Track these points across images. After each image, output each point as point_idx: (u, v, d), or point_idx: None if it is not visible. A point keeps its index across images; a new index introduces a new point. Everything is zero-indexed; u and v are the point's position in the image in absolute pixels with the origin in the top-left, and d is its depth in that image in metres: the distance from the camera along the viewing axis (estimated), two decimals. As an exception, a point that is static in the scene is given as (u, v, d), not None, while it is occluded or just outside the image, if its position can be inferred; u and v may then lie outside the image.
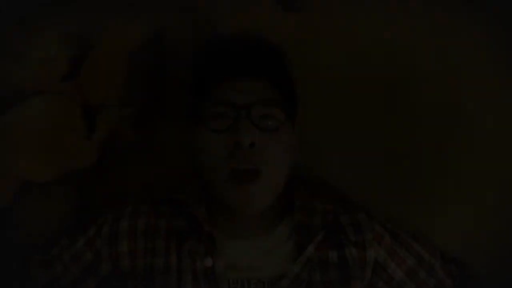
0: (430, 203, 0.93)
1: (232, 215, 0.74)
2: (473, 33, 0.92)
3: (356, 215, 0.78)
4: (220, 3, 0.92)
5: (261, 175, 0.69)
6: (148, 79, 0.84)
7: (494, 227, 0.91)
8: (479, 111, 0.93)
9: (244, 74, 0.73)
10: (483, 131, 0.93)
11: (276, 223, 0.77)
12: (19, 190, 0.84)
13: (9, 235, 0.83)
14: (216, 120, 0.71)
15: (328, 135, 0.94)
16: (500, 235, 0.91)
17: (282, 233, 0.76)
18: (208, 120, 0.72)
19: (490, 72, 0.92)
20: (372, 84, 0.94)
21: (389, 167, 0.93)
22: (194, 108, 0.75)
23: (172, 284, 0.71)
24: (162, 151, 0.93)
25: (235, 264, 0.73)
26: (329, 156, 0.93)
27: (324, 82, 0.95)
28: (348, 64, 0.95)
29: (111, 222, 0.77)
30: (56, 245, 0.79)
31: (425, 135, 0.93)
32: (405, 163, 0.93)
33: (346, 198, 0.85)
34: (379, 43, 0.95)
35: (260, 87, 0.73)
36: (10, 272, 0.79)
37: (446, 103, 0.93)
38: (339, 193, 0.88)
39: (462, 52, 0.93)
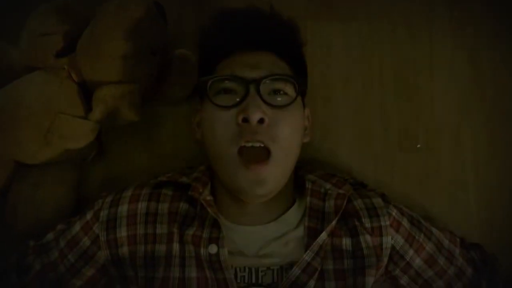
0: (444, 188, 0.89)
1: (240, 200, 0.69)
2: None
3: (371, 199, 0.74)
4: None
5: (272, 155, 0.65)
6: (149, 55, 0.79)
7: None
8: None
9: (253, 47, 0.70)
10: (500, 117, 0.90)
11: (286, 208, 0.73)
12: (13, 173, 0.80)
13: (2, 220, 0.79)
14: (224, 95, 0.68)
15: (338, 116, 0.90)
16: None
17: (292, 218, 0.72)
18: (215, 96, 0.68)
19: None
20: (384, 66, 0.91)
21: (403, 153, 0.89)
22: (200, 84, 0.70)
23: (175, 272, 0.67)
24: (165, 132, 0.89)
25: (242, 251, 0.69)
26: (338, 137, 0.90)
27: (335, 63, 0.91)
28: (360, 44, 0.91)
29: (109, 206, 0.72)
30: (52, 231, 0.75)
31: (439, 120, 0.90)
32: (419, 147, 0.90)
33: (360, 181, 0.80)
34: (391, 25, 0.91)
35: (269, 61, 0.69)
36: (4, 259, 0.75)
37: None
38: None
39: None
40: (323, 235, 0.68)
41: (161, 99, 0.87)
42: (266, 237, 0.70)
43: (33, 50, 0.80)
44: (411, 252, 0.72)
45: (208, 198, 0.71)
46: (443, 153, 0.89)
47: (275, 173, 0.66)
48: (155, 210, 0.71)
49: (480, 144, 0.90)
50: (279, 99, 0.68)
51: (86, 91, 0.79)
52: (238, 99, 0.66)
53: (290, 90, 0.69)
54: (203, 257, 0.67)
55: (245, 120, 0.65)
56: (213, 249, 0.67)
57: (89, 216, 0.73)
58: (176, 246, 0.68)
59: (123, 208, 0.71)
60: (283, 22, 0.74)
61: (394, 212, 0.73)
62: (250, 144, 0.65)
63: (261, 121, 0.65)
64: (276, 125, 0.66)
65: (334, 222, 0.70)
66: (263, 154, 0.65)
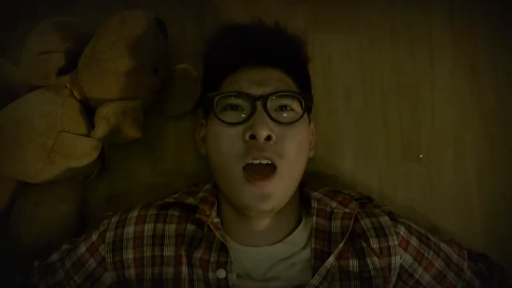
0: (447, 198, 0.89)
1: (246, 219, 0.69)
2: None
3: (378, 218, 0.72)
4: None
5: (277, 171, 0.65)
6: (151, 71, 0.79)
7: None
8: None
9: (260, 63, 0.69)
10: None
11: (292, 228, 0.72)
12: (16, 192, 0.79)
13: (6, 240, 0.78)
14: (230, 112, 0.67)
15: (340, 128, 0.90)
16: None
17: (299, 239, 0.71)
18: (221, 112, 0.68)
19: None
20: (385, 78, 0.91)
21: (406, 164, 0.89)
22: (206, 100, 0.70)
23: None
24: (168, 147, 0.88)
25: (250, 274, 0.68)
26: (341, 150, 0.90)
27: (336, 75, 0.91)
28: (361, 56, 0.91)
29: (115, 227, 0.71)
30: (56, 251, 0.74)
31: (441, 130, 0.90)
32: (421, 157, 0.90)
33: (366, 196, 0.79)
34: (391, 37, 0.92)
35: (276, 77, 0.69)
36: (8, 279, 0.74)
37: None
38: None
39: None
40: (331, 259, 0.67)
41: (162, 114, 0.87)
42: (273, 258, 0.69)
43: (34, 68, 0.79)
44: (420, 270, 0.71)
45: (216, 220, 0.70)
46: (446, 163, 0.90)
47: (279, 188, 0.66)
48: (162, 232, 0.70)
49: (482, 153, 0.90)
50: (285, 115, 0.68)
51: (88, 109, 0.79)
52: (244, 115, 0.66)
53: (296, 106, 0.69)
54: (212, 281, 0.66)
55: (252, 137, 0.64)
56: (221, 273, 0.66)
57: (94, 237, 0.72)
58: (184, 269, 0.68)
59: (130, 230, 0.70)
60: (290, 38, 0.74)
61: (402, 231, 0.72)
62: (257, 161, 0.65)
63: (268, 138, 0.65)
64: (283, 141, 0.66)
65: (341, 245, 0.68)
66: (268, 170, 0.65)
